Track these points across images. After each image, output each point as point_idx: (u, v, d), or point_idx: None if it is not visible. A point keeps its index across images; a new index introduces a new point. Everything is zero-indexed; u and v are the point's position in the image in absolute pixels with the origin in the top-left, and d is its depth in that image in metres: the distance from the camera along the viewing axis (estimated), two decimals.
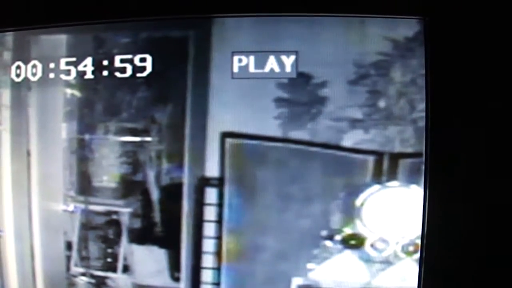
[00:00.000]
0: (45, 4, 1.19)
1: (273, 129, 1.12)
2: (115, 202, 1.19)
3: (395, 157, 1.11)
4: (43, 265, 1.23)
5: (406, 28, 1.10)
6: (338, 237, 1.13)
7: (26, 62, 1.22)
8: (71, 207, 1.22)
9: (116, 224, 1.19)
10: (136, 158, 1.18)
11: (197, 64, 1.14)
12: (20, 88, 1.23)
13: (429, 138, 1.08)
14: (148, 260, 1.18)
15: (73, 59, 1.19)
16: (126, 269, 1.19)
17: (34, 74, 1.22)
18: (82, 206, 1.21)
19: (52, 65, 1.20)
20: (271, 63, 1.12)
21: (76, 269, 1.22)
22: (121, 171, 1.19)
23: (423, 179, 1.08)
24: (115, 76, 1.17)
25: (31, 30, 1.21)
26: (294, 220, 1.12)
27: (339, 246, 1.12)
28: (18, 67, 1.22)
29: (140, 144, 1.18)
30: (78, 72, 1.19)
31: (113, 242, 1.20)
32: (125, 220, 1.19)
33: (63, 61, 1.19)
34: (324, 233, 1.12)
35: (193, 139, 1.15)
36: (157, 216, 1.18)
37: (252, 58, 1.12)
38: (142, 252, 1.18)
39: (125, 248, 1.19)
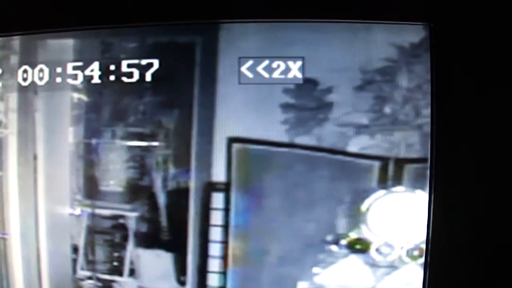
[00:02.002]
0: (52, 9, 1.19)
1: (279, 134, 1.13)
2: (122, 206, 1.19)
3: (401, 162, 1.11)
4: (49, 269, 1.24)
5: (412, 34, 1.10)
6: (343, 242, 1.13)
7: (33, 66, 1.22)
8: (77, 211, 1.22)
9: (123, 228, 1.20)
10: (143, 162, 1.18)
11: (204, 70, 1.15)
12: (27, 92, 1.23)
13: (434, 143, 1.09)
14: (154, 264, 1.18)
15: (80, 63, 1.20)
16: (132, 273, 1.20)
17: (41, 78, 1.22)
18: (89, 210, 1.22)
19: (59, 70, 1.21)
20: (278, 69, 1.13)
21: (82, 273, 1.22)
22: (127, 176, 1.19)
23: (428, 184, 1.08)
24: (122, 81, 1.18)
25: (38, 34, 1.21)
26: (300, 224, 1.13)
27: (345, 251, 1.13)
28: (25, 71, 1.23)
29: (147, 148, 1.18)
30: (85, 76, 1.20)
31: (120, 246, 1.20)
32: (131, 224, 1.19)
33: (70, 65, 1.20)
34: (329, 237, 1.13)
35: (199, 144, 1.15)
36: (163, 220, 1.18)
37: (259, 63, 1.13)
38: (148, 256, 1.19)
39: (132, 252, 1.19)
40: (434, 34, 1.09)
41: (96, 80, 1.19)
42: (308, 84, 1.13)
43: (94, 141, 1.21)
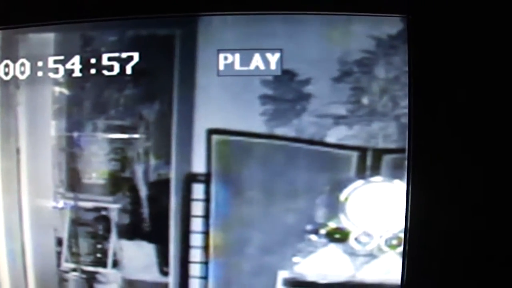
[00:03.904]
0: (33, 3, 1.20)
1: (258, 125, 1.14)
2: (104, 199, 1.21)
3: (379, 153, 1.13)
4: (34, 262, 1.24)
5: (390, 26, 1.12)
6: (322, 231, 1.15)
7: (14, 61, 1.22)
8: (60, 204, 1.23)
9: (105, 220, 1.21)
10: (124, 155, 1.19)
11: (183, 62, 1.16)
12: (8, 87, 1.24)
13: (412, 134, 1.10)
14: (137, 255, 1.19)
15: (61, 57, 1.20)
16: (115, 264, 1.21)
17: (22, 73, 1.23)
18: (72, 202, 1.23)
19: (40, 64, 1.21)
20: (256, 61, 1.14)
21: (66, 265, 1.24)
22: (109, 168, 1.20)
23: (406, 174, 1.10)
24: (103, 74, 1.19)
25: (19, 28, 1.21)
26: (279, 214, 1.14)
27: (324, 240, 1.14)
28: (7, 65, 1.23)
29: (128, 141, 1.19)
30: (66, 70, 1.21)
31: (103, 238, 1.21)
32: (114, 216, 1.20)
33: (51, 59, 1.21)
34: (309, 227, 1.14)
35: (180, 136, 1.16)
36: (145, 211, 1.19)
37: (237, 55, 1.14)
38: (131, 247, 1.20)
39: (115, 243, 1.21)
40: (412, 26, 1.10)
41: (77, 73, 1.20)
42: (287, 75, 1.14)
43: (76, 134, 1.22)
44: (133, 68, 1.17)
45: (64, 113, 1.22)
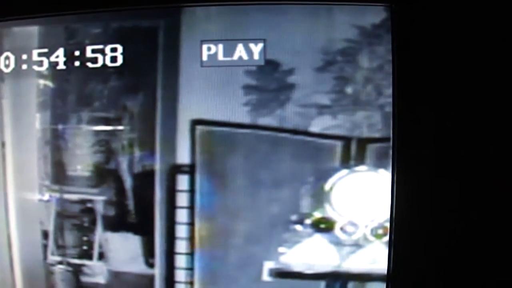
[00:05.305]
0: None
1: (242, 116, 1.14)
2: (89, 191, 1.21)
3: (363, 142, 1.13)
4: (21, 255, 1.24)
5: (373, 15, 1.12)
6: (308, 221, 1.15)
7: None
8: (46, 197, 1.23)
9: (91, 212, 1.21)
10: (108, 146, 1.19)
11: (167, 53, 1.16)
12: None
13: (396, 123, 1.10)
14: (123, 247, 1.19)
15: (45, 50, 1.20)
16: (101, 256, 1.21)
17: (7, 66, 1.23)
18: (57, 195, 1.23)
19: (24, 57, 1.21)
20: (240, 51, 1.14)
21: (53, 258, 1.24)
22: (94, 160, 1.20)
23: (391, 163, 1.10)
24: (87, 66, 1.19)
25: (3, 22, 1.22)
26: (264, 205, 1.14)
27: (310, 230, 1.14)
28: None
29: (113, 133, 1.19)
30: (50, 63, 1.21)
31: (88, 230, 1.21)
32: (99, 208, 1.20)
33: (35, 52, 1.21)
34: (294, 217, 1.14)
35: (164, 127, 1.16)
36: (130, 203, 1.19)
37: (220, 46, 1.14)
38: (116, 239, 1.20)
39: (100, 235, 1.21)
40: (395, 15, 1.11)
41: (61, 66, 1.20)
42: (270, 65, 1.14)
43: (60, 126, 1.22)
44: (117, 60, 1.17)
45: (49, 105, 1.22)
